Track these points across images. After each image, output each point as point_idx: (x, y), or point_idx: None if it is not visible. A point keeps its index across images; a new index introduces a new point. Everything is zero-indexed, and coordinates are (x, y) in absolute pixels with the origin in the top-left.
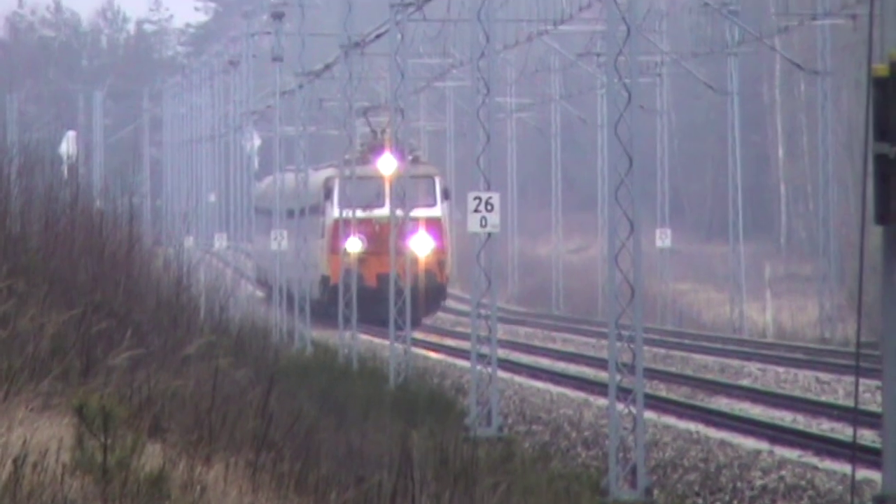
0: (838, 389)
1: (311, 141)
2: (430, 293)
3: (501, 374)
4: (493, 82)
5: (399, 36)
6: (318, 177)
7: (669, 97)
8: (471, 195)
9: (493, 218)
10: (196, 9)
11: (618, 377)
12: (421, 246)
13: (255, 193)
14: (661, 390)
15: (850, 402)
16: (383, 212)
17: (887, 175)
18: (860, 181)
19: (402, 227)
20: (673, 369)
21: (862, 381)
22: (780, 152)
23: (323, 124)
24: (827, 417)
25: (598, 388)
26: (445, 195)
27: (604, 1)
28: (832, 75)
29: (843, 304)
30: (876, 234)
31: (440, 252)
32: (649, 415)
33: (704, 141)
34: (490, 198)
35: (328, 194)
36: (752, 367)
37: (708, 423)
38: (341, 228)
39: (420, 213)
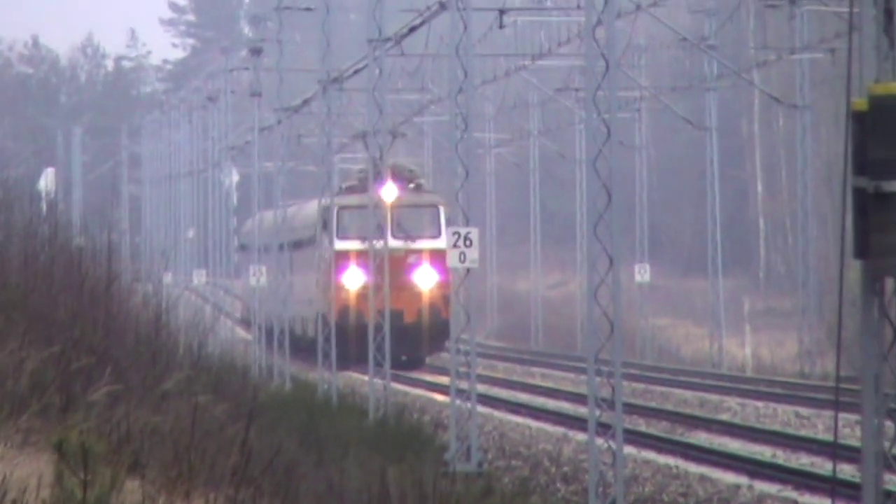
0: (818, 424)
1: (290, 176)
2: (435, 330)
3: (481, 409)
4: (472, 117)
5: (377, 71)
6: (313, 208)
7: (648, 132)
8: (449, 230)
9: (472, 253)
10: (174, 45)
11: (597, 412)
12: (425, 279)
13: (243, 230)
14: (641, 425)
15: (829, 437)
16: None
17: (866, 209)
18: (839, 215)
19: (404, 260)
20: (652, 404)
21: (841, 415)
22: (759, 187)
23: (301, 160)
24: (806, 452)
25: (578, 423)
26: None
27: (582, 36)
28: (811, 109)
29: (822, 339)
30: (855, 268)
31: (445, 286)
32: (629, 450)
33: (683, 176)
34: (469, 233)
35: (326, 225)
36: (732, 401)
37: (687, 457)
38: (340, 261)
39: (424, 244)
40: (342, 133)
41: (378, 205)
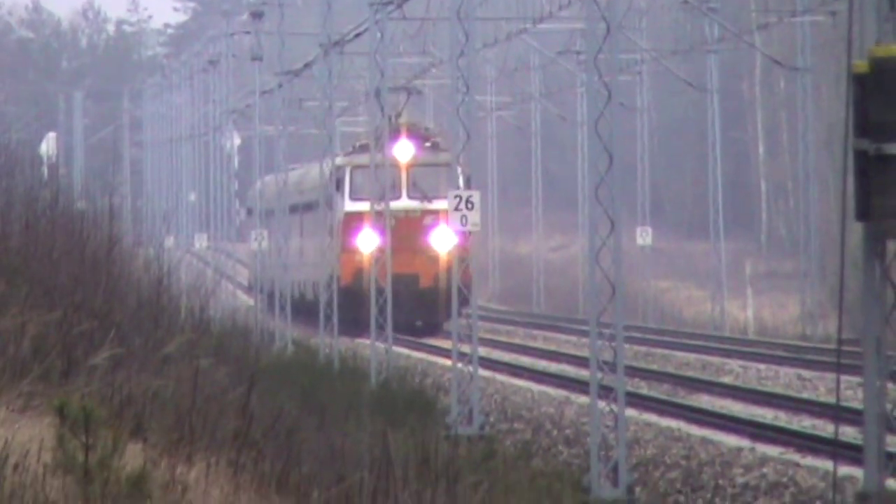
0: (819, 386)
1: (292, 140)
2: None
3: (483, 372)
4: (473, 81)
5: (378, 35)
6: (324, 169)
7: (649, 95)
8: (451, 193)
9: (474, 216)
10: (175, 9)
11: (599, 375)
12: (442, 241)
13: (249, 194)
14: (643, 388)
15: (831, 399)
16: (402, 203)
17: (867, 171)
18: (840, 177)
19: (420, 221)
20: (654, 367)
21: (843, 377)
22: (761, 149)
23: (303, 123)
24: (808, 414)
25: (580, 385)
26: (469, 185)
27: None
28: (812, 72)
29: (823, 301)
30: (856, 230)
31: (463, 249)
32: (630, 412)
33: (685, 138)
34: (470, 196)
35: (339, 185)
36: (734, 364)
37: (689, 420)
38: (353, 223)
39: (441, 205)
40: (343, 96)
41: (383, 164)
